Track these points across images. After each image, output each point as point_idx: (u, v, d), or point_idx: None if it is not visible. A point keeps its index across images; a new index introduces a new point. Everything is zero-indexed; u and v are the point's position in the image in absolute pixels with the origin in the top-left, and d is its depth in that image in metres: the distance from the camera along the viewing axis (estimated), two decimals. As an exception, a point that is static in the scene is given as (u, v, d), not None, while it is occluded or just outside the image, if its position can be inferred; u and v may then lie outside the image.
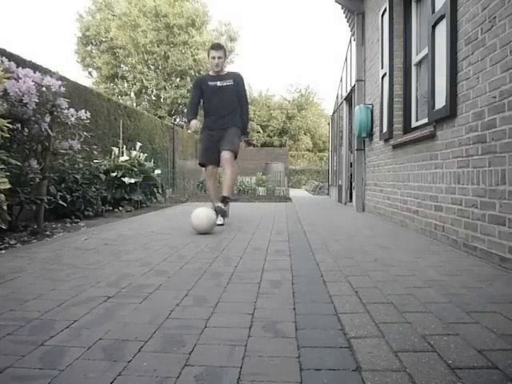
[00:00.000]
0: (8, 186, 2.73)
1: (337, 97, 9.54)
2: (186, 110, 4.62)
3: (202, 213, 3.64)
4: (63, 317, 1.45)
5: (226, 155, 4.20)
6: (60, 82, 3.54)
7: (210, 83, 4.37)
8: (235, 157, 4.30)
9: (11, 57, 4.24)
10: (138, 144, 7.38)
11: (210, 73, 4.47)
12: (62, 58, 39.76)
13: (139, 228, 4.06)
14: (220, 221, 4.17)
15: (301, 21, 68.87)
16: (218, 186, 4.61)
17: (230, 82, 4.38)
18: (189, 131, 4.41)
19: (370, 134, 5.70)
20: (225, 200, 4.20)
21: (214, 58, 4.33)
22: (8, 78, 3.22)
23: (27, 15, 52.88)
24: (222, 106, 4.37)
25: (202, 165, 4.45)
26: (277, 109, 28.91)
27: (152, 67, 22.57)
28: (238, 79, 4.45)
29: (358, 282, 1.93)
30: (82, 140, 3.98)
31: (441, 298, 1.68)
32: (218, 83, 4.36)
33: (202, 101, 4.50)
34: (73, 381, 1.01)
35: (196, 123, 4.35)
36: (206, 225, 3.61)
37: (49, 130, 3.52)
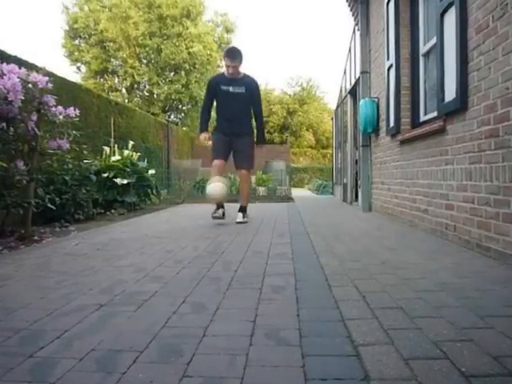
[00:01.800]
0: (-7, 188, 2.73)
1: (340, 90, 9.54)
2: (200, 116, 5.00)
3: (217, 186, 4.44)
4: (53, 326, 1.45)
5: (244, 173, 4.71)
6: (47, 78, 3.54)
7: (223, 87, 4.51)
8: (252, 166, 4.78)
9: (-5, 52, 4.23)
10: (131, 143, 7.38)
11: (226, 74, 4.58)
12: (48, 53, 39.81)
13: (133, 232, 4.06)
14: (217, 213, 4.65)
15: (301, 10, 68.90)
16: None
17: (242, 90, 4.52)
18: (201, 141, 4.68)
19: (376, 130, 5.70)
20: (243, 209, 4.77)
21: (228, 66, 4.46)
22: (-8, 75, 3.22)
23: (10, 8, 52.92)
24: (234, 111, 4.55)
25: (213, 161, 4.67)
26: (277, 104, 28.93)
27: (144, 61, 22.57)
28: (251, 86, 4.61)
29: (365, 286, 1.93)
30: (71, 139, 3.98)
31: (453, 302, 1.68)
32: (231, 88, 4.51)
33: (215, 101, 4.71)
34: (64, 394, 1.01)
35: (206, 137, 4.64)
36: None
37: (36, 129, 3.52)
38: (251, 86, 4.61)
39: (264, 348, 1.25)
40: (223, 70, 4.71)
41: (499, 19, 2.49)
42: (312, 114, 29.25)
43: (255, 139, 4.88)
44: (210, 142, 4.68)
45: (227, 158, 4.70)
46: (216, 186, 4.44)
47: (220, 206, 4.71)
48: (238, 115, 4.57)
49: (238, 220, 4.59)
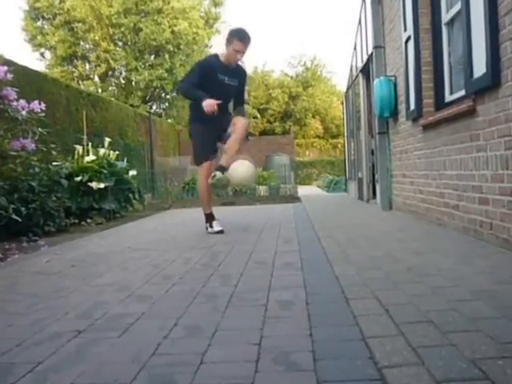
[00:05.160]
0: None
1: (351, 69, 9.54)
2: (188, 97, 4.84)
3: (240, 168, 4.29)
4: (24, 359, 1.45)
5: (242, 120, 4.49)
6: (5, 68, 3.55)
7: (219, 75, 4.44)
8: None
9: None
10: (107, 139, 7.38)
11: (221, 57, 4.48)
12: (6, 38, 39.82)
13: (113, 244, 4.06)
14: (217, 226, 4.42)
15: (301, -23, 68.88)
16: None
17: (235, 82, 4.54)
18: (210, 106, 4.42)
19: (395, 113, 5.70)
20: (222, 169, 4.36)
21: (238, 51, 4.34)
22: None
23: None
24: (223, 103, 4.46)
25: (201, 163, 4.52)
26: (277, 87, 28.94)
27: (120, 43, 22.55)
28: (242, 80, 4.69)
29: (388, 297, 1.93)
30: (36, 138, 3.99)
31: (492, 313, 1.68)
32: (226, 79, 4.49)
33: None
34: None
35: (212, 100, 4.28)
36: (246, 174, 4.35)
37: (-5, 128, 3.52)
38: (242, 78, 4.70)
39: (272, 375, 1.25)
40: (215, 51, 4.60)
41: (534, -21, 2.49)
42: (318, 98, 29.23)
43: None
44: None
45: (216, 153, 4.60)
46: (240, 167, 4.32)
47: (212, 216, 4.53)
48: (226, 107, 4.58)
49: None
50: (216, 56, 4.59)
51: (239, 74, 4.61)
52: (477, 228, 3.35)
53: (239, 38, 4.34)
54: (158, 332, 1.63)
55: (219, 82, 4.42)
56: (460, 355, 1.31)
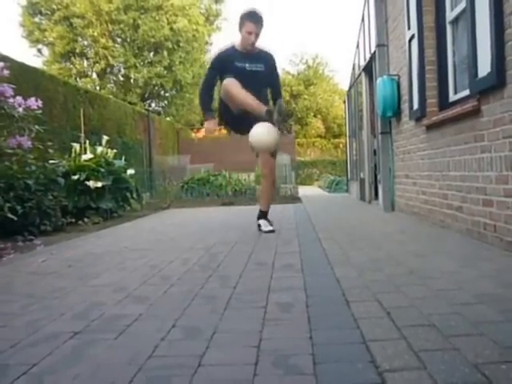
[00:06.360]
0: None
1: (353, 67, 9.55)
2: (198, 98, 4.66)
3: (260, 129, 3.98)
4: (19, 360, 1.45)
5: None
6: (2, 64, 3.55)
7: (237, 64, 4.22)
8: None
9: None
10: (105, 137, 7.39)
11: (237, 46, 4.31)
12: (3, 34, 39.87)
13: (110, 244, 4.06)
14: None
15: (304, -27, 68.93)
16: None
17: (261, 67, 4.29)
18: (207, 131, 4.40)
19: (398, 113, 5.71)
20: (263, 214, 4.48)
21: (250, 33, 4.15)
22: None
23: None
24: (254, 91, 4.15)
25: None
26: (278, 86, 28.97)
27: (118, 40, 22.57)
28: (270, 63, 4.39)
29: (389, 300, 1.93)
30: (33, 136, 3.98)
31: (496, 317, 1.68)
32: (247, 65, 4.24)
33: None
34: None
35: (214, 126, 4.34)
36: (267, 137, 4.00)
37: (-9, 125, 3.52)
38: (271, 62, 4.40)
39: (271, 378, 1.25)
40: (231, 42, 4.35)
41: (540, -23, 2.49)
42: (320, 97, 29.28)
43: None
44: (216, 132, 4.45)
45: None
46: (263, 127, 3.97)
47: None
48: (260, 99, 4.22)
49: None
50: (232, 46, 4.41)
51: (264, 58, 4.34)
52: (481, 230, 3.35)
53: (250, 18, 4.18)
54: (156, 334, 1.63)
55: (239, 70, 4.19)
56: (463, 359, 1.31)
